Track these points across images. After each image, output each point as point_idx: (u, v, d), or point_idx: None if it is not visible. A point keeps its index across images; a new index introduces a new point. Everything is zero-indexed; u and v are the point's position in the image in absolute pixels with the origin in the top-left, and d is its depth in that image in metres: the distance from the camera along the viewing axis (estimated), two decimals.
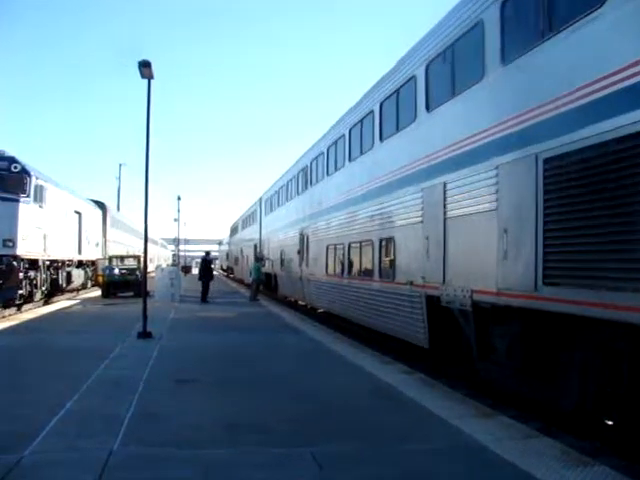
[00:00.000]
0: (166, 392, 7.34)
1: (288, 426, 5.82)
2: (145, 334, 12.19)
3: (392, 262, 11.60)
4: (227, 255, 66.21)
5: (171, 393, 7.31)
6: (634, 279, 5.31)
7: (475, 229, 8.25)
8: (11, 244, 18.04)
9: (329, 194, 16.99)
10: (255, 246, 33.52)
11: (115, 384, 7.73)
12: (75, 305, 21.64)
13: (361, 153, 13.83)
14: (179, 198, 50.15)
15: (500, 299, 7.51)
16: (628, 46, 5.50)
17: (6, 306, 18.50)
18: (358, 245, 13.94)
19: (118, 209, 54.39)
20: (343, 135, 15.47)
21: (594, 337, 6.19)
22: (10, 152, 19.57)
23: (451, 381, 8.87)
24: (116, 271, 25.96)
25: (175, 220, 54.65)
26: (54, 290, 23.67)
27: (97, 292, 28.27)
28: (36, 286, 20.57)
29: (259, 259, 27.85)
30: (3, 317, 17.17)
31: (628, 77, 5.43)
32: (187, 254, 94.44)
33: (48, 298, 23.22)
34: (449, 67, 9.26)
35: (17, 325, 14.78)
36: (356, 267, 14.30)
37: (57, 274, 23.42)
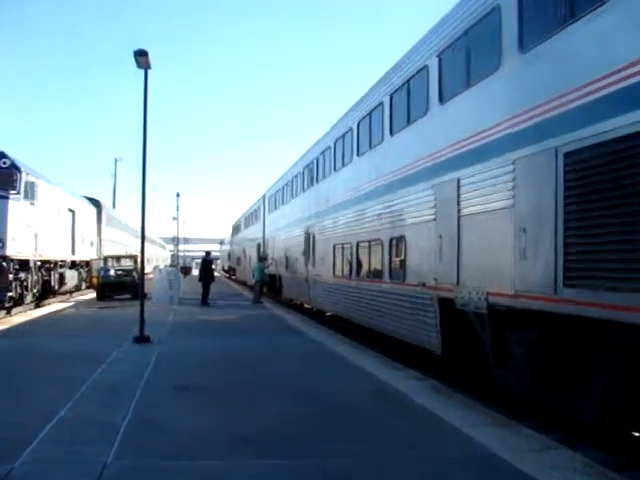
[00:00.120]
0: (164, 399, 7.36)
1: (290, 432, 5.84)
2: (142, 338, 12.23)
3: (403, 262, 11.59)
4: (229, 255, 66.34)
5: (169, 400, 7.34)
6: None
7: (491, 227, 8.24)
8: (0, 244, 18.14)
9: (336, 191, 17.00)
10: (258, 246, 33.55)
11: (111, 391, 7.77)
12: (68, 308, 21.74)
13: (370, 147, 13.83)
14: (178, 195, 50.43)
15: (517, 302, 7.49)
16: None
17: None
18: (367, 245, 13.94)
19: (114, 207, 54.55)
20: (351, 129, 15.47)
21: (618, 342, 6.16)
22: None
23: (465, 388, 8.85)
24: (112, 272, 26.03)
25: (174, 218, 54.89)
26: (46, 292, 23.78)
27: (92, 294, 28.40)
28: (27, 288, 20.67)
29: (262, 259, 27.87)
30: None
31: None
32: (187, 254, 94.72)
33: (40, 301, 23.32)
34: (463, 56, 9.24)
35: (7, 329, 14.85)
36: (365, 268, 14.31)
37: (49, 275, 23.53)
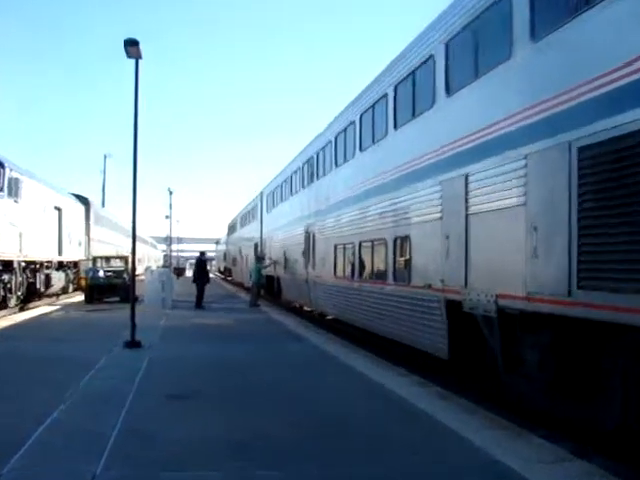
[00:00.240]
0: (155, 408, 7.37)
1: (280, 443, 5.84)
2: (133, 343, 12.23)
3: (408, 263, 11.59)
4: (224, 255, 66.39)
5: (161, 409, 7.34)
6: None
7: (501, 226, 8.23)
8: None
9: (337, 188, 17.00)
10: (255, 245, 33.57)
11: (100, 398, 7.78)
12: (55, 311, 21.72)
13: (373, 142, 13.82)
14: (171, 192, 50.44)
15: (528, 305, 7.48)
16: None
17: None
18: (370, 244, 13.95)
19: (103, 205, 54.67)
20: (353, 122, 15.45)
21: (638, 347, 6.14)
22: None
23: (473, 395, 8.84)
24: (101, 273, 25.98)
25: (167, 217, 54.94)
26: (31, 295, 23.80)
27: (80, 297, 28.36)
28: (10, 290, 20.67)
29: (260, 259, 27.86)
30: None
31: None
32: (180, 254, 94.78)
33: (24, 304, 23.32)
34: (472, 45, 9.24)
35: None
36: (368, 269, 14.31)
37: (34, 277, 23.55)
